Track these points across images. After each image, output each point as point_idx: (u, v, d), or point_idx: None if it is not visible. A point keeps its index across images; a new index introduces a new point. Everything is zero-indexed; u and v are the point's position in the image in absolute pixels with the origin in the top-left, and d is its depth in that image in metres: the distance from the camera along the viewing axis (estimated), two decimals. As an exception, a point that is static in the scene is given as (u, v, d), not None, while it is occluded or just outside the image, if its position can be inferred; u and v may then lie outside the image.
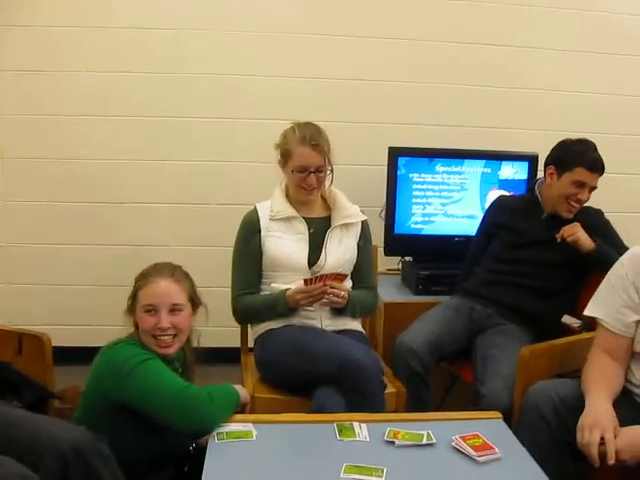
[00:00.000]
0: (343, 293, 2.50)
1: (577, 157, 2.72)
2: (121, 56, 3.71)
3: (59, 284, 3.89)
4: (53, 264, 3.86)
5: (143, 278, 2.07)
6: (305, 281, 2.44)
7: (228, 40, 3.73)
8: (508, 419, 2.08)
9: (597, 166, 2.70)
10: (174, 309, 2.05)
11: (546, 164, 2.85)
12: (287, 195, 2.67)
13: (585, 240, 2.68)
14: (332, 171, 2.59)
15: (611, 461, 1.80)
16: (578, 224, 2.72)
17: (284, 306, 2.50)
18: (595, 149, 2.74)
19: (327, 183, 2.65)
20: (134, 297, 2.08)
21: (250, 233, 2.61)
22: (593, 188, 2.75)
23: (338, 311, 2.59)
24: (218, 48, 3.73)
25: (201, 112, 3.79)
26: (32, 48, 3.67)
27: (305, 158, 2.52)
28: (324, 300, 2.47)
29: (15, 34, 3.64)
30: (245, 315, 2.65)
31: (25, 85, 3.69)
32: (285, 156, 2.57)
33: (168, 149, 3.81)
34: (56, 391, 2.48)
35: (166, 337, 2.04)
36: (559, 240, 2.72)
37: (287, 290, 2.51)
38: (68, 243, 3.86)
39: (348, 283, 2.63)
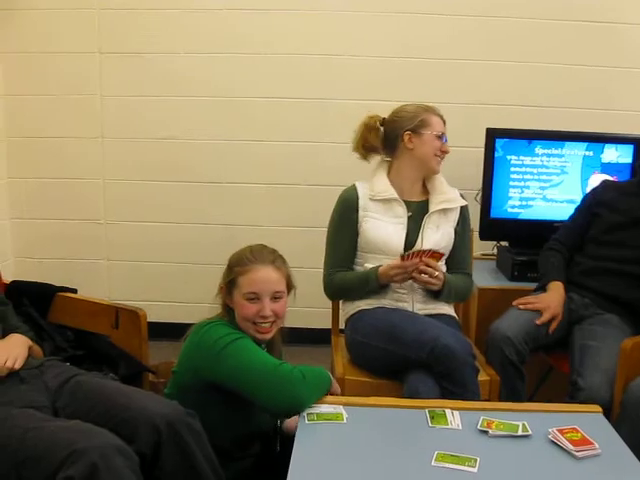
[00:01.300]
0: (438, 273, 2.46)
1: None
2: (212, 38, 3.76)
3: (154, 261, 3.99)
4: (149, 242, 3.96)
5: (243, 264, 2.04)
6: (402, 257, 2.42)
7: (315, 20, 3.72)
8: (607, 414, 1.99)
9: None
10: (275, 296, 2.05)
11: None
12: (389, 176, 2.64)
13: None
14: None
15: None
16: None
17: (376, 282, 2.48)
18: None
19: None
20: (232, 282, 2.05)
21: (348, 211, 2.60)
22: None
23: (432, 294, 2.55)
24: (306, 28, 3.73)
25: (291, 93, 3.81)
26: (130, 30, 3.75)
27: (440, 125, 2.61)
28: (418, 278, 2.44)
29: (116, 18, 3.74)
30: (337, 291, 2.64)
31: (126, 67, 3.79)
32: (419, 126, 2.58)
33: (260, 130, 3.85)
34: (150, 365, 2.54)
35: (266, 324, 2.04)
36: None
37: (380, 266, 2.48)
38: (163, 222, 3.95)
39: (442, 267, 2.58)
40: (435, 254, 2.45)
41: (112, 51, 3.78)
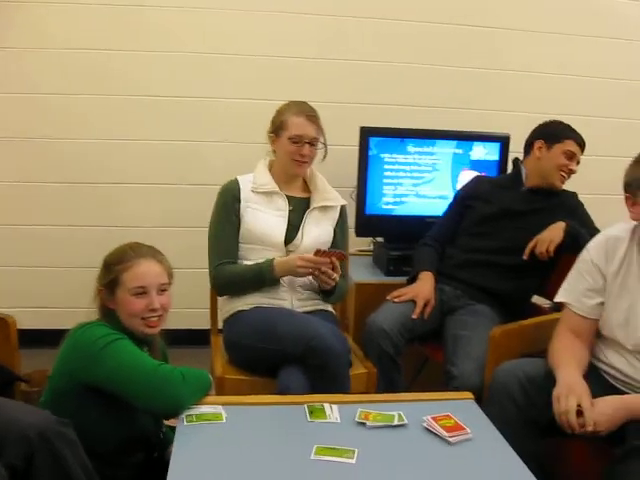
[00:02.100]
0: (336, 276, 2.51)
1: (566, 130, 2.85)
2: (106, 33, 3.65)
3: (24, 266, 3.82)
4: (19, 245, 3.79)
5: (125, 261, 2.00)
6: (316, 252, 2.44)
7: (199, 17, 3.67)
8: (479, 399, 2.08)
9: (582, 141, 2.84)
10: (161, 289, 2.02)
11: (533, 139, 2.91)
12: (271, 171, 2.66)
13: (554, 239, 2.70)
14: (325, 149, 2.65)
15: (589, 428, 1.84)
16: (543, 239, 2.72)
17: (271, 274, 2.49)
18: None
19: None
20: (114, 281, 2.00)
21: (230, 202, 2.59)
22: (578, 162, 2.84)
23: (323, 294, 2.60)
24: (195, 26, 3.68)
25: (175, 91, 3.73)
26: (26, 26, 3.58)
27: (301, 127, 2.56)
28: (321, 277, 2.49)
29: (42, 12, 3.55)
30: (226, 285, 2.59)
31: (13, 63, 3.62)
32: (279, 128, 2.59)
33: (139, 128, 3.75)
34: (22, 374, 2.43)
35: (155, 318, 2.01)
36: (525, 258, 2.74)
37: (273, 259, 2.50)
38: (35, 224, 3.79)
39: None
40: (341, 256, 2.50)
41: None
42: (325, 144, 2.64)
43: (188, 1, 3.65)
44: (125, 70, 3.68)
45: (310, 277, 2.56)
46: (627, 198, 2.06)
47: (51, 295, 3.82)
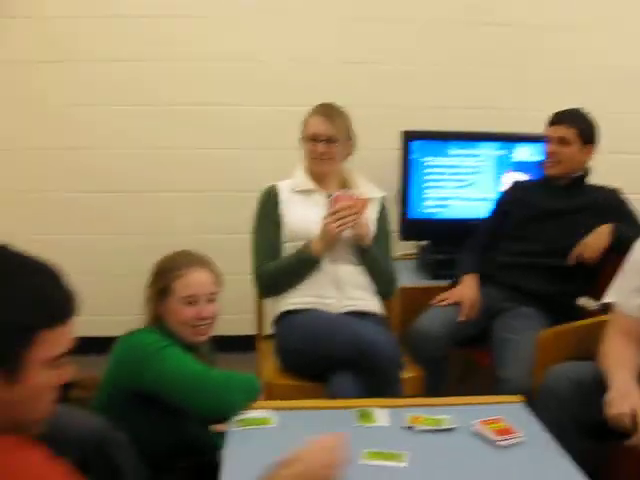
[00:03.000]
0: (365, 220, 2.52)
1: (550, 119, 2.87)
2: (134, 44, 3.70)
3: (75, 273, 3.86)
4: (69, 254, 3.85)
5: (177, 269, 2.03)
6: (330, 201, 2.49)
7: (235, 26, 3.71)
8: (529, 403, 2.06)
9: (557, 119, 2.82)
10: (210, 298, 2.05)
11: None
12: (308, 173, 2.69)
13: (600, 244, 2.66)
14: (347, 146, 2.66)
15: None
16: (589, 245, 2.69)
17: (309, 252, 2.51)
18: (577, 111, 2.84)
19: (344, 162, 2.70)
20: (165, 289, 2.03)
21: (270, 205, 2.64)
22: (562, 139, 2.79)
23: (360, 256, 2.59)
24: (228, 33, 3.71)
25: (209, 99, 3.76)
26: (42, 39, 3.65)
27: (315, 126, 2.60)
28: (348, 224, 2.49)
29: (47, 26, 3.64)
30: (270, 281, 2.61)
31: (33, 76, 3.69)
32: (302, 129, 2.65)
33: (179, 137, 3.79)
34: (76, 379, 2.47)
35: (204, 326, 2.04)
36: (571, 263, 2.71)
37: (310, 241, 2.52)
38: (84, 233, 3.85)
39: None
40: (359, 199, 2.51)
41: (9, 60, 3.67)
42: (351, 145, 2.67)
43: (216, 9, 3.69)
44: (161, 81, 3.73)
45: (355, 273, 2.57)
46: None
47: (100, 303, 3.88)
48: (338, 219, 2.47)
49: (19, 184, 3.79)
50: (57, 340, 1.13)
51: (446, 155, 3.40)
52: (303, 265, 2.54)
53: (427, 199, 3.43)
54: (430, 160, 3.40)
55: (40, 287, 1.13)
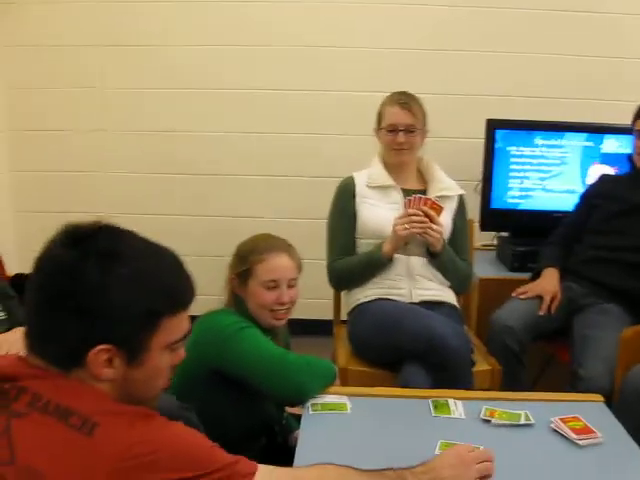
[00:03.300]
0: (437, 227, 2.47)
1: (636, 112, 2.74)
2: (212, 30, 3.76)
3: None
4: (149, 235, 3.95)
5: (259, 253, 2.05)
6: (406, 203, 2.47)
7: (319, 10, 3.71)
8: (609, 403, 2.01)
9: None
10: (291, 284, 2.07)
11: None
12: (384, 165, 2.66)
13: None
14: (423, 135, 2.62)
15: None
16: None
17: (380, 254, 2.50)
18: None
19: (421, 153, 2.67)
20: (246, 271, 2.06)
21: (346, 198, 2.63)
22: None
23: (431, 257, 2.57)
24: (308, 18, 3.72)
25: (291, 84, 3.79)
26: (131, 23, 3.75)
27: (394, 116, 2.57)
28: (420, 228, 2.45)
29: (117, 10, 3.73)
30: (341, 278, 2.64)
31: (128, 60, 3.79)
32: (378, 119, 2.64)
33: (260, 122, 3.83)
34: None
35: (283, 311, 2.06)
36: None
37: (383, 242, 2.51)
38: (164, 214, 3.95)
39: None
40: (435, 205, 2.47)
41: (113, 44, 3.77)
42: (425, 134, 2.63)
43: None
44: (241, 66, 3.78)
45: (428, 265, 2.55)
46: None
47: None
48: (408, 222, 2.45)
49: (116, 166, 3.91)
50: (178, 326, 1.18)
51: (531, 145, 3.34)
52: (373, 266, 2.54)
53: (510, 189, 3.37)
54: (515, 149, 3.34)
55: (166, 273, 1.18)
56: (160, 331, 1.14)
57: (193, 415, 1.83)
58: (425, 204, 2.46)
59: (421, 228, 2.45)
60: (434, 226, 2.46)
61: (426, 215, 2.45)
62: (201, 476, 1.12)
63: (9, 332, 2.09)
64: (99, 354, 1.10)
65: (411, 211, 2.45)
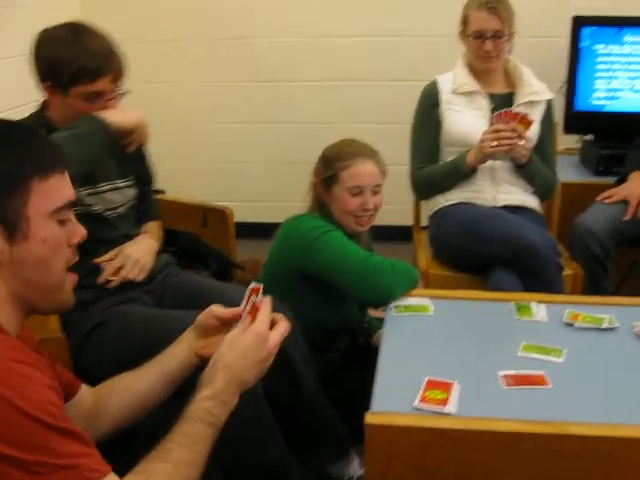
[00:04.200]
0: (524, 142, 2.41)
1: None
2: None
3: (236, 162, 4.04)
4: (230, 143, 4.00)
5: (345, 159, 2.05)
6: (495, 117, 2.40)
7: None
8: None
9: None
10: (375, 190, 2.07)
11: None
12: (470, 69, 2.59)
13: None
14: (511, 39, 2.50)
15: None
16: None
17: (464, 165, 2.47)
18: None
19: (507, 55, 2.57)
20: (332, 177, 2.07)
21: (430, 106, 2.58)
22: None
23: (518, 170, 2.53)
24: None
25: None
26: None
27: (481, 22, 2.46)
28: (504, 147, 2.39)
29: None
30: (424, 186, 2.64)
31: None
32: (464, 23, 2.54)
33: (335, 25, 3.76)
34: (238, 262, 2.62)
35: (366, 217, 2.08)
36: None
37: (468, 151, 2.47)
38: (243, 122, 3.97)
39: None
40: (524, 119, 2.40)
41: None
42: (512, 37, 2.50)
43: None
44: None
45: (512, 170, 2.51)
46: None
47: (262, 190, 4.03)
48: (496, 139, 2.38)
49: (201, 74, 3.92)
50: (52, 191, 1.10)
51: (620, 43, 3.19)
52: (456, 176, 2.52)
53: (596, 90, 3.25)
54: (602, 48, 3.20)
55: (23, 144, 1.11)
56: (32, 197, 1.07)
57: (289, 312, 1.88)
58: (514, 118, 2.38)
59: (508, 145, 2.39)
60: (521, 142, 2.40)
61: (513, 130, 2.39)
62: (19, 462, 0.94)
63: (138, 241, 2.07)
64: None
65: (499, 127, 2.38)
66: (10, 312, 1.09)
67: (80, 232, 1.17)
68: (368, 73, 3.82)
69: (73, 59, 1.79)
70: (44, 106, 1.95)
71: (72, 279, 1.17)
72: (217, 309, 1.39)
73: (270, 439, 1.75)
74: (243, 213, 3.23)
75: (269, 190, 4.02)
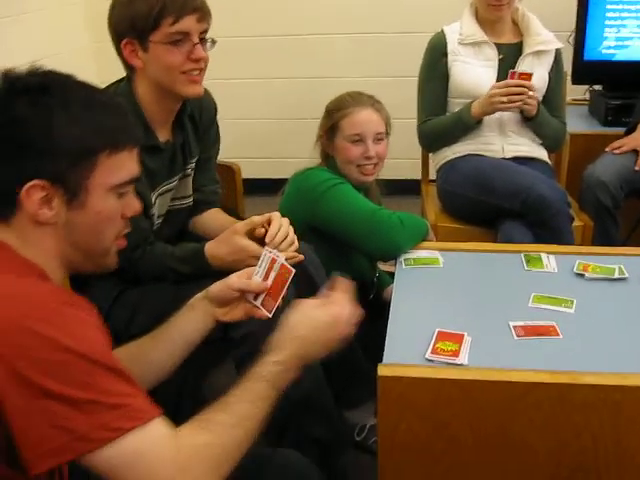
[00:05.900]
0: (532, 93, 2.39)
1: None
2: None
3: (244, 118, 4.01)
4: (237, 99, 3.97)
5: (343, 108, 2.06)
6: (511, 75, 2.37)
7: None
8: None
9: None
10: (377, 138, 2.06)
11: None
12: (477, 18, 2.54)
13: None
14: None
15: None
16: None
17: (470, 117, 2.45)
18: None
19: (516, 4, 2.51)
20: (333, 127, 2.07)
21: (437, 57, 2.55)
22: None
23: (525, 120, 2.51)
24: None
25: None
26: None
27: None
28: (516, 103, 2.38)
29: None
30: (431, 138, 2.62)
31: None
32: None
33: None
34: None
35: (370, 166, 2.07)
36: None
37: (472, 101, 2.45)
38: (249, 77, 3.94)
39: None
40: (523, 75, 2.38)
41: None
42: None
43: None
44: None
45: (520, 121, 2.49)
46: None
47: (270, 146, 4.01)
48: (507, 95, 2.35)
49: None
50: (119, 166, 1.12)
51: (631, -11, 3.11)
52: (461, 127, 2.50)
53: (605, 39, 3.19)
54: (611, -5, 3.12)
55: (99, 109, 1.11)
56: (98, 170, 1.08)
57: (312, 250, 1.86)
58: (528, 78, 2.37)
59: (520, 102, 2.37)
60: (530, 92, 2.38)
61: (522, 86, 2.36)
62: (68, 399, 0.94)
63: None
64: (32, 191, 1.04)
65: (514, 82, 2.35)
66: (56, 268, 1.12)
67: (135, 206, 1.19)
68: (373, 26, 3.76)
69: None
70: (128, 80, 1.80)
71: (120, 244, 1.20)
72: (237, 283, 1.39)
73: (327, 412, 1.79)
74: (251, 169, 3.22)
75: (277, 147, 4.00)
